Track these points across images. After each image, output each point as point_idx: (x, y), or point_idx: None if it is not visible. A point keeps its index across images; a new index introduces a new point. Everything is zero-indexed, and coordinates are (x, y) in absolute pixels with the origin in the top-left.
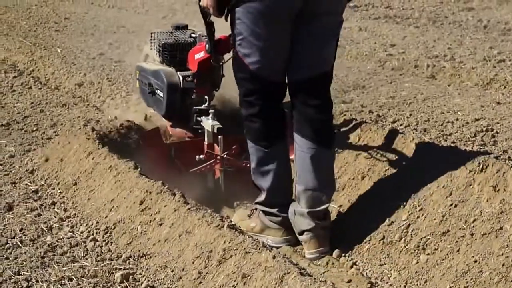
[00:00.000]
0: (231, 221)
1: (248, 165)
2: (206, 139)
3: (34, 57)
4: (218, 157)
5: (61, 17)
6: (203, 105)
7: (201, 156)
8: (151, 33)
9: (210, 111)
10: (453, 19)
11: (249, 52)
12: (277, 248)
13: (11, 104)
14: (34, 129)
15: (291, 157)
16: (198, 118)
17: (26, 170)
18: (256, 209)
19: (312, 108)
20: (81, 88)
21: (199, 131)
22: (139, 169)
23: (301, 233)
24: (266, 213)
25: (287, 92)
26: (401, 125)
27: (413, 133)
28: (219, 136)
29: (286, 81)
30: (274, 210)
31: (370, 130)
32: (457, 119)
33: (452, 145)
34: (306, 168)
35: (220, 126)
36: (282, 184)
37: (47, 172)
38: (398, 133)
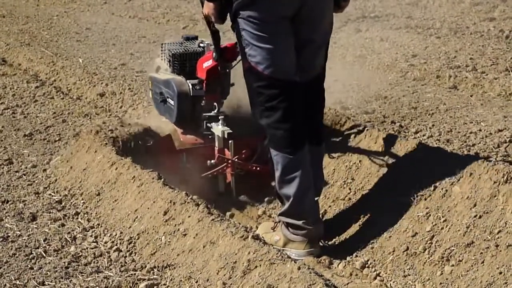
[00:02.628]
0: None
1: (257, 168)
2: (216, 144)
3: (56, 67)
4: (229, 161)
5: (82, 27)
6: (213, 112)
7: (213, 161)
8: (162, 44)
9: (219, 117)
10: (474, 29)
11: (260, 59)
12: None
13: (34, 114)
14: (57, 139)
15: None
16: (208, 124)
17: (49, 180)
18: (279, 221)
19: (307, 108)
20: (103, 98)
21: (210, 137)
22: (162, 179)
23: None
24: (290, 225)
25: None
26: (423, 135)
27: (436, 143)
28: (230, 141)
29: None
30: (300, 222)
31: (393, 141)
32: (480, 130)
33: (476, 156)
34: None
35: (230, 131)
36: (307, 192)
37: (70, 182)
38: (421, 144)
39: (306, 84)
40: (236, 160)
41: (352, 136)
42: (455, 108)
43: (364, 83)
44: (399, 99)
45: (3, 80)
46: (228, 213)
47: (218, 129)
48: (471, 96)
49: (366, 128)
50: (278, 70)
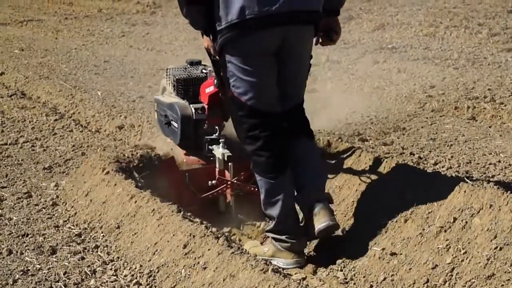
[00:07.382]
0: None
1: (255, 189)
2: (217, 166)
3: (75, 100)
4: (229, 183)
5: (101, 60)
6: (214, 135)
7: (213, 182)
8: (167, 69)
9: (220, 140)
10: (492, 60)
11: (244, 90)
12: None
13: (53, 147)
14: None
15: None
16: (209, 146)
17: (69, 214)
18: (268, 236)
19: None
20: (121, 131)
21: (211, 158)
22: (182, 213)
23: (311, 208)
24: (276, 239)
25: None
26: (442, 167)
27: (455, 175)
28: (230, 163)
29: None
30: (283, 237)
31: (412, 172)
32: (499, 161)
33: (495, 187)
34: (298, 159)
35: (230, 154)
36: (290, 212)
37: (90, 215)
38: (440, 176)
39: (290, 111)
40: (235, 181)
41: (371, 168)
42: (474, 139)
43: (382, 114)
44: (418, 131)
45: (22, 113)
46: (226, 229)
47: (218, 151)
48: (489, 127)
49: (385, 160)
50: (260, 101)
